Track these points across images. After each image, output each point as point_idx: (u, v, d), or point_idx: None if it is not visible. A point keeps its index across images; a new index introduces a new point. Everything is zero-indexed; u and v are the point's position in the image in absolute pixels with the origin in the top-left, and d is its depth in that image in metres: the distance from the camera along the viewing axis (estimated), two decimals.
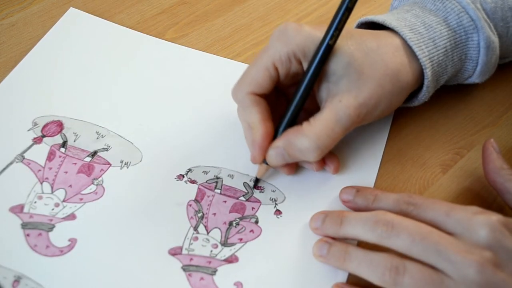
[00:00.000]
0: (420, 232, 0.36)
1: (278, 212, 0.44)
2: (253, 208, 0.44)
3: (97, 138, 0.47)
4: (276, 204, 0.44)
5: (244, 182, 0.45)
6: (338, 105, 0.40)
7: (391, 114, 0.49)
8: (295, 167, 0.45)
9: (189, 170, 0.46)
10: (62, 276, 0.40)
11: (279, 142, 0.42)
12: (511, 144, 0.49)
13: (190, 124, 0.48)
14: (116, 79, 0.51)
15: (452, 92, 0.51)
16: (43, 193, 0.44)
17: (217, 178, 0.45)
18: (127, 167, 0.46)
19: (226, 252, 0.42)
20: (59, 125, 0.48)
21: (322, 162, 0.45)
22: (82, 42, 0.54)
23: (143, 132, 0.48)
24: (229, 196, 0.44)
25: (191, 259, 0.41)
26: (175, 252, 0.41)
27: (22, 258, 0.40)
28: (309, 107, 0.44)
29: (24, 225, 0.42)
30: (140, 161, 0.46)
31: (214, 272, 0.40)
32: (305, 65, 0.41)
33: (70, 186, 0.44)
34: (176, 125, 0.48)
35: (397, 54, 0.42)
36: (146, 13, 0.58)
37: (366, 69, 0.40)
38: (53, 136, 0.47)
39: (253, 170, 0.46)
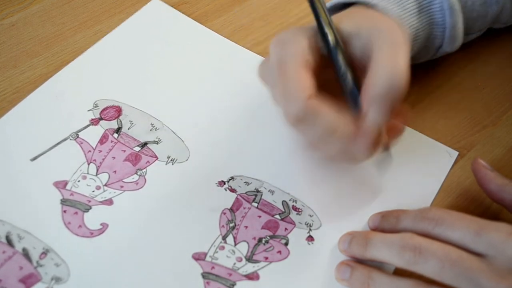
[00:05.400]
0: (449, 258, 0.35)
1: (310, 238, 0.42)
2: (286, 229, 0.43)
3: (151, 130, 0.48)
4: (310, 229, 0.43)
5: (283, 201, 0.44)
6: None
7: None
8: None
9: (232, 178, 0.45)
10: (86, 258, 0.40)
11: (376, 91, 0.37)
12: (511, 144, 0.49)
13: (243, 133, 0.48)
14: (181, 75, 0.52)
15: (452, 92, 0.52)
16: (88, 173, 0.45)
17: (258, 191, 0.45)
18: (172, 164, 0.46)
19: (249, 268, 0.41)
20: (118, 110, 0.49)
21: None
22: (156, 33, 0.55)
23: (196, 132, 0.48)
24: (265, 212, 0.44)
25: (212, 267, 0.40)
26: (198, 257, 0.41)
27: (54, 233, 0.41)
28: None
29: (64, 201, 0.43)
30: (187, 160, 0.46)
31: (232, 285, 0.40)
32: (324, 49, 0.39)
33: (115, 172, 0.45)
34: (230, 131, 0.48)
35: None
36: None
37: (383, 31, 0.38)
38: (110, 120, 0.48)
39: (295, 189, 0.45)
